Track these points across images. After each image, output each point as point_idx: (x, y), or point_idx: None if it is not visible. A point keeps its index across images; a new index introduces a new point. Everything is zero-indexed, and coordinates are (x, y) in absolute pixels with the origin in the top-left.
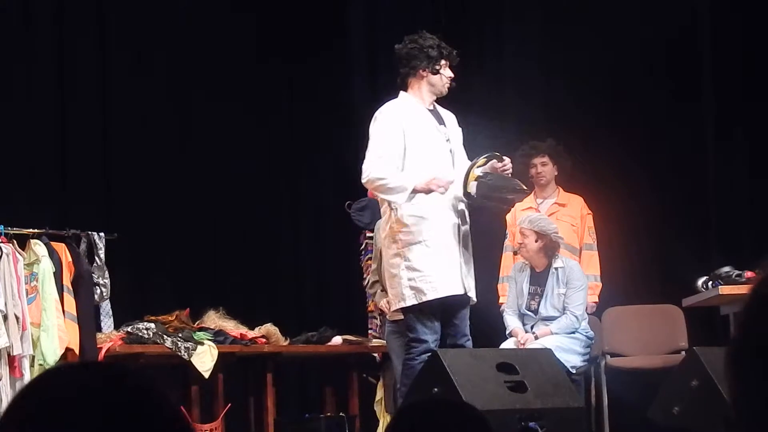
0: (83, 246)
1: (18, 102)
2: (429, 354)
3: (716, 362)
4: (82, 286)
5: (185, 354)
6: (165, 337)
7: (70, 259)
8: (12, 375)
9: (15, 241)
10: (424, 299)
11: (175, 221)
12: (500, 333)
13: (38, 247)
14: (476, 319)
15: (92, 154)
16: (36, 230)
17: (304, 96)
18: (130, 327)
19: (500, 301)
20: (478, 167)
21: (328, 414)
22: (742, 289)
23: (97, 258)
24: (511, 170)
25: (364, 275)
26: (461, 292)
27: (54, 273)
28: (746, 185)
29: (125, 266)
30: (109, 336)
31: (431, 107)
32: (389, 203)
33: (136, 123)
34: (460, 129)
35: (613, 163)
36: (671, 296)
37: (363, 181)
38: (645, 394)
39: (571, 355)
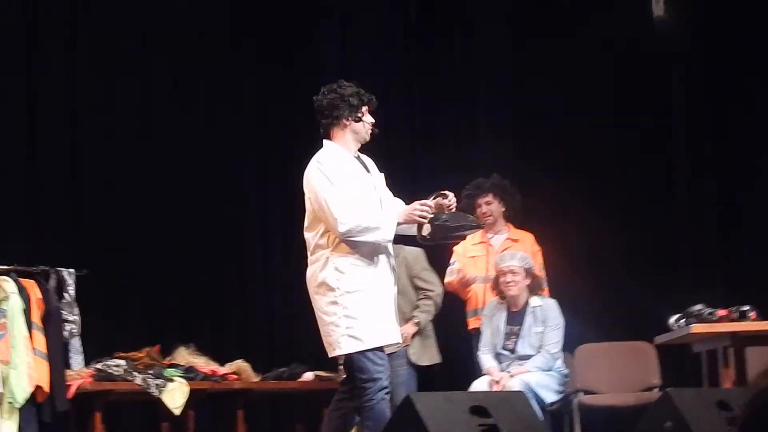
0: (52, 282)
1: None
2: (386, 391)
3: (689, 404)
4: (52, 323)
5: (156, 391)
6: (135, 373)
7: (39, 295)
8: None
9: None
10: (362, 348)
11: (145, 258)
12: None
13: (7, 284)
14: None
15: (61, 190)
16: (5, 266)
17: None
18: (100, 364)
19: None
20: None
21: None
22: (715, 328)
23: (66, 294)
24: (455, 206)
25: None
26: (399, 341)
27: (23, 310)
28: (716, 223)
29: (95, 303)
30: (79, 373)
31: (356, 155)
32: (322, 250)
33: (104, 159)
34: (381, 174)
35: (584, 198)
36: (643, 334)
37: (341, 233)
38: None
39: (547, 391)
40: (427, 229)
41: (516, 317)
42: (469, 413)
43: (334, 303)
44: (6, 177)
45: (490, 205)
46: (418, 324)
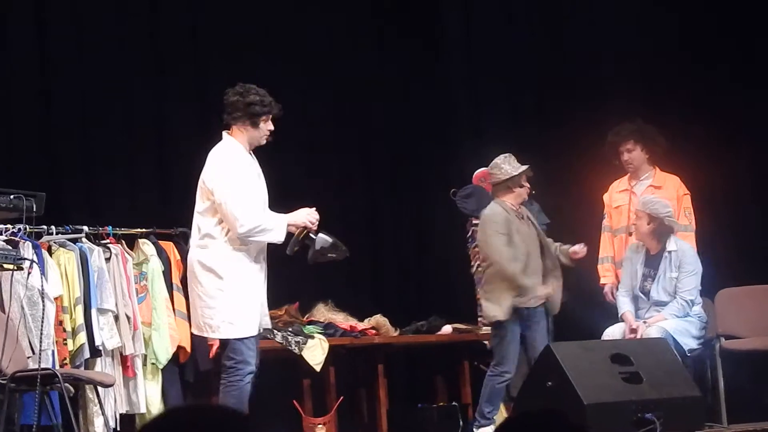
0: None
1: (123, 114)
2: (253, 375)
3: None
4: None
5: (296, 348)
6: (275, 331)
7: (178, 257)
8: (125, 374)
9: (123, 242)
10: (241, 335)
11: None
12: (605, 314)
13: (147, 247)
14: (579, 301)
15: (193, 153)
16: (144, 230)
17: (410, 84)
18: None
19: (601, 282)
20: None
21: (441, 403)
22: None
23: None
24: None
25: (472, 262)
26: (256, 333)
27: (163, 272)
28: None
29: None
30: None
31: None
32: (214, 238)
33: None
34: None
35: (719, 139)
36: None
37: (241, 233)
38: (762, 377)
39: (686, 338)
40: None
41: (653, 260)
42: (609, 361)
43: (221, 290)
44: (142, 145)
45: (632, 153)
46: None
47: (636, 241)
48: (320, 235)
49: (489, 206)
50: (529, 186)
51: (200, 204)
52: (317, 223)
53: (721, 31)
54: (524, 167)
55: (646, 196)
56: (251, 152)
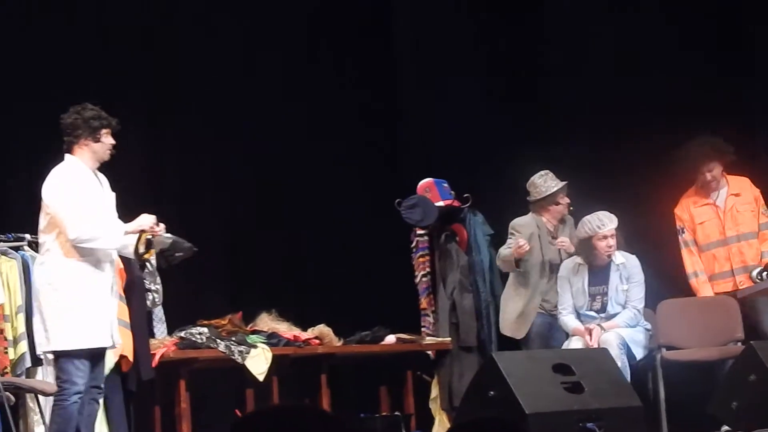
0: None
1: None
2: (79, 396)
3: None
4: (135, 293)
5: (239, 358)
6: (218, 341)
7: (121, 265)
8: None
9: None
10: (67, 348)
11: (226, 224)
12: None
13: None
14: None
15: (146, 156)
16: None
17: (357, 95)
18: (183, 332)
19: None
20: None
21: (384, 413)
22: None
23: (148, 264)
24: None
25: (416, 272)
26: (110, 344)
27: None
28: None
29: (176, 271)
30: (163, 342)
31: (94, 172)
32: (53, 252)
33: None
34: (113, 194)
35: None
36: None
37: (72, 238)
38: (702, 387)
39: (637, 347)
40: (155, 259)
41: (598, 276)
42: (552, 371)
43: (56, 302)
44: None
45: (713, 171)
46: None
47: (573, 259)
48: (158, 237)
49: (523, 217)
50: (567, 202)
51: (42, 222)
52: (158, 227)
53: None
54: (558, 186)
55: (604, 213)
56: (95, 171)
